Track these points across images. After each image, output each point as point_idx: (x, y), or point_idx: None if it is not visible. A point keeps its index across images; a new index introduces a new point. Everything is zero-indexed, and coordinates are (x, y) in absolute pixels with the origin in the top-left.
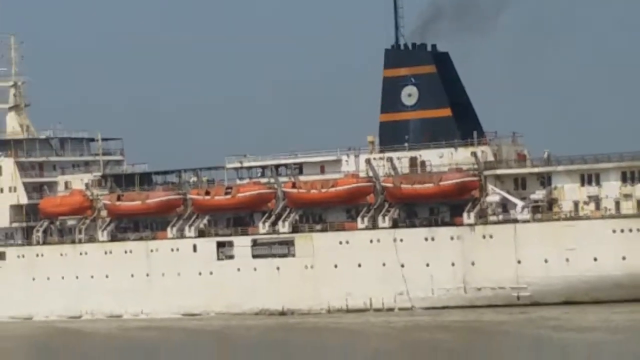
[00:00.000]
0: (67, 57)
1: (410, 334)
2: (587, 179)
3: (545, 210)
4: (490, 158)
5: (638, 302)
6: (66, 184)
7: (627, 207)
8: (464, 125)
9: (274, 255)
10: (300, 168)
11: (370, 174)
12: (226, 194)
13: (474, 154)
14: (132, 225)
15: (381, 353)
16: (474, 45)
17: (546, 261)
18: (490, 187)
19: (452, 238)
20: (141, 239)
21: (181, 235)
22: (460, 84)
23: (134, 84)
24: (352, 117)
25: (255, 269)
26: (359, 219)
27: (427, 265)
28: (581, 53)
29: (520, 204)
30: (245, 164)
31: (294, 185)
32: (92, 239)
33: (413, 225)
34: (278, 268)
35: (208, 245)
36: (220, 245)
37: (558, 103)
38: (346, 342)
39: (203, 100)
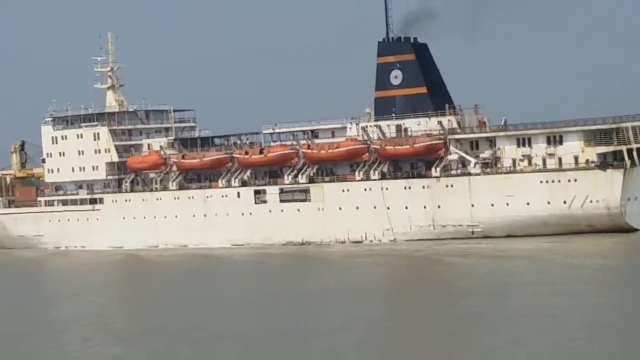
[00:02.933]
0: (151, 46)
1: (391, 258)
2: (522, 142)
3: (492, 166)
4: (455, 126)
5: (560, 235)
6: (149, 146)
7: (551, 163)
8: (437, 100)
9: (295, 201)
10: (317, 133)
11: (366, 138)
12: (260, 153)
13: (440, 123)
14: (195, 177)
15: (365, 267)
16: (451, 38)
17: (492, 205)
18: (451, 148)
19: (423, 187)
20: (200, 188)
21: (229, 185)
22: (436, 68)
23: (205, 66)
24: (357, 93)
25: (282, 211)
26: (356, 173)
27: (406, 208)
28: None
29: (473, 161)
30: (277, 130)
31: (309, 147)
32: (165, 188)
33: (396, 178)
34: (299, 210)
35: (248, 193)
36: (257, 192)
37: (517, 80)
38: (346, 262)
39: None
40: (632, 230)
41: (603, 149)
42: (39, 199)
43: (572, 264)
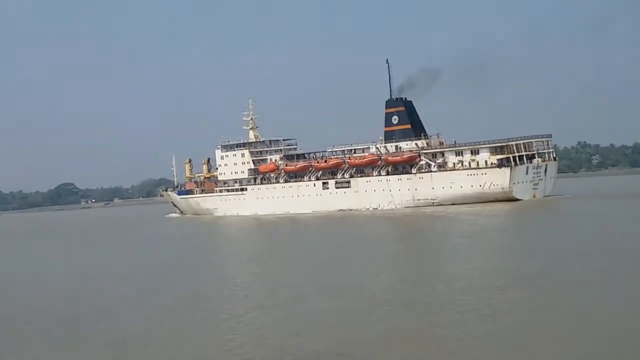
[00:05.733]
0: (270, 103)
1: (393, 216)
2: (458, 153)
3: (443, 167)
4: (425, 145)
5: (478, 203)
6: (270, 159)
7: (473, 165)
8: (416, 131)
9: (343, 187)
10: (354, 150)
11: (379, 153)
12: (325, 162)
13: (416, 144)
14: (293, 176)
15: (378, 219)
16: (426, 94)
17: (443, 188)
18: (422, 157)
19: (408, 179)
20: (295, 182)
21: (309, 179)
22: (416, 113)
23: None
24: (376, 128)
25: (337, 193)
26: (374, 172)
27: (399, 190)
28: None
29: (433, 164)
30: (334, 149)
31: (349, 159)
32: (278, 182)
33: (394, 174)
34: (345, 192)
35: (319, 184)
36: (324, 183)
37: (466, 116)
38: (369, 217)
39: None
40: (517, 199)
41: (500, 156)
42: (215, 188)
43: (481, 217)
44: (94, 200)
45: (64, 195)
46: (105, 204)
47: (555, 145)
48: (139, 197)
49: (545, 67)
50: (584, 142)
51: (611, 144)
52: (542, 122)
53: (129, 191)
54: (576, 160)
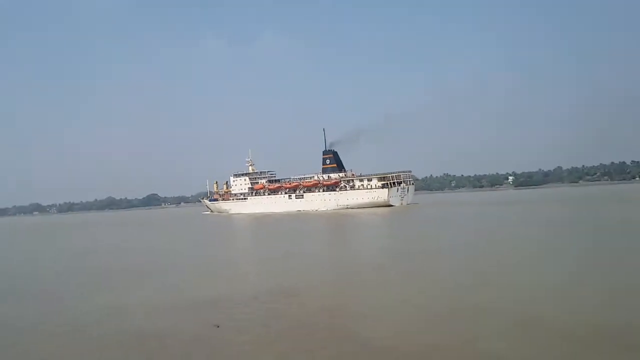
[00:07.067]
0: (265, 142)
1: (326, 214)
2: (360, 180)
3: (353, 187)
4: (344, 176)
5: (371, 207)
6: (260, 182)
7: (368, 187)
8: (339, 169)
9: (300, 198)
10: (306, 178)
11: (318, 180)
12: (289, 184)
13: (339, 175)
14: (273, 191)
15: (317, 216)
16: (355, 146)
17: (354, 199)
18: (342, 182)
19: (334, 193)
20: (274, 195)
21: (282, 194)
22: (339, 158)
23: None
24: (317, 166)
25: (296, 201)
26: (316, 190)
27: (330, 200)
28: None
29: (348, 186)
30: (295, 177)
31: (303, 183)
32: (264, 195)
33: (327, 191)
34: (300, 201)
35: (286, 196)
36: (289, 196)
37: (370, 158)
38: (316, 215)
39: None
40: (391, 205)
41: (383, 182)
42: (230, 198)
43: (373, 214)
44: (169, 204)
45: (151, 200)
46: (176, 205)
47: (431, 175)
48: (196, 202)
49: (429, 126)
50: (447, 173)
51: (462, 174)
52: (422, 161)
53: (190, 198)
54: (442, 183)
